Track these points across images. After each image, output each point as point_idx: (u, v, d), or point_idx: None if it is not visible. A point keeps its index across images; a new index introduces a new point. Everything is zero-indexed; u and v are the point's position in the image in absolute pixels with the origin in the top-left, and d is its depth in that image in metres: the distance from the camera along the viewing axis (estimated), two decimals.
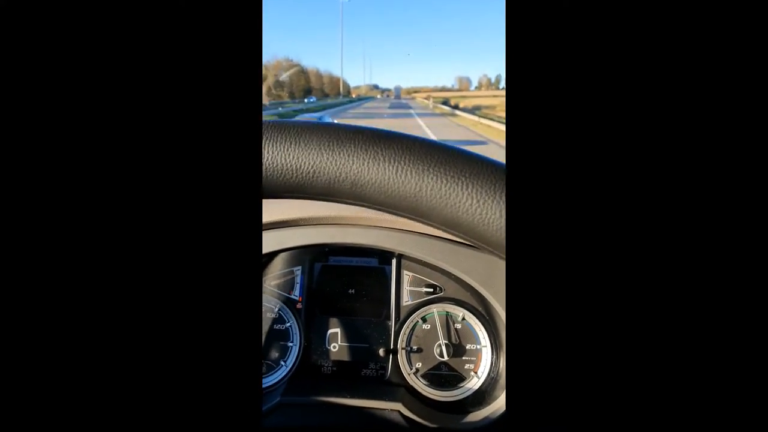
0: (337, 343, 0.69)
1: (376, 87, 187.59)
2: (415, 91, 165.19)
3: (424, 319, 0.68)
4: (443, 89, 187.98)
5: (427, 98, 53.74)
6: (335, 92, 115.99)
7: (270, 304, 0.70)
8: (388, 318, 0.69)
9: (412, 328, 0.68)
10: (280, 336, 0.69)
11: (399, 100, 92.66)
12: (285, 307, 0.69)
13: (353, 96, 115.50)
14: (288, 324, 0.69)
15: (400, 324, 0.68)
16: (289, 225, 0.66)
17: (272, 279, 0.70)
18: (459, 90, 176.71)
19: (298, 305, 0.69)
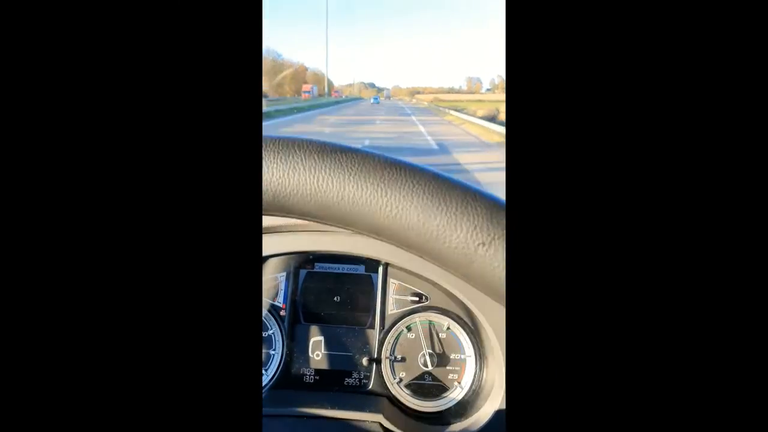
0: (320, 351, 0.69)
1: (372, 86, 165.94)
2: (417, 92, 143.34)
3: (408, 328, 0.68)
4: (450, 90, 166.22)
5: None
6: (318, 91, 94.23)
7: None
8: (373, 327, 0.68)
9: (397, 337, 0.68)
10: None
11: (393, 104, 71.34)
12: (268, 314, 0.69)
13: (337, 97, 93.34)
14: (270, 331, 0.68)
15: (384, 333, 0.68)
16: (273, 231, 0.65)
17: None
18: (470, 92, 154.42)
19: (282, 312, 0.69)
